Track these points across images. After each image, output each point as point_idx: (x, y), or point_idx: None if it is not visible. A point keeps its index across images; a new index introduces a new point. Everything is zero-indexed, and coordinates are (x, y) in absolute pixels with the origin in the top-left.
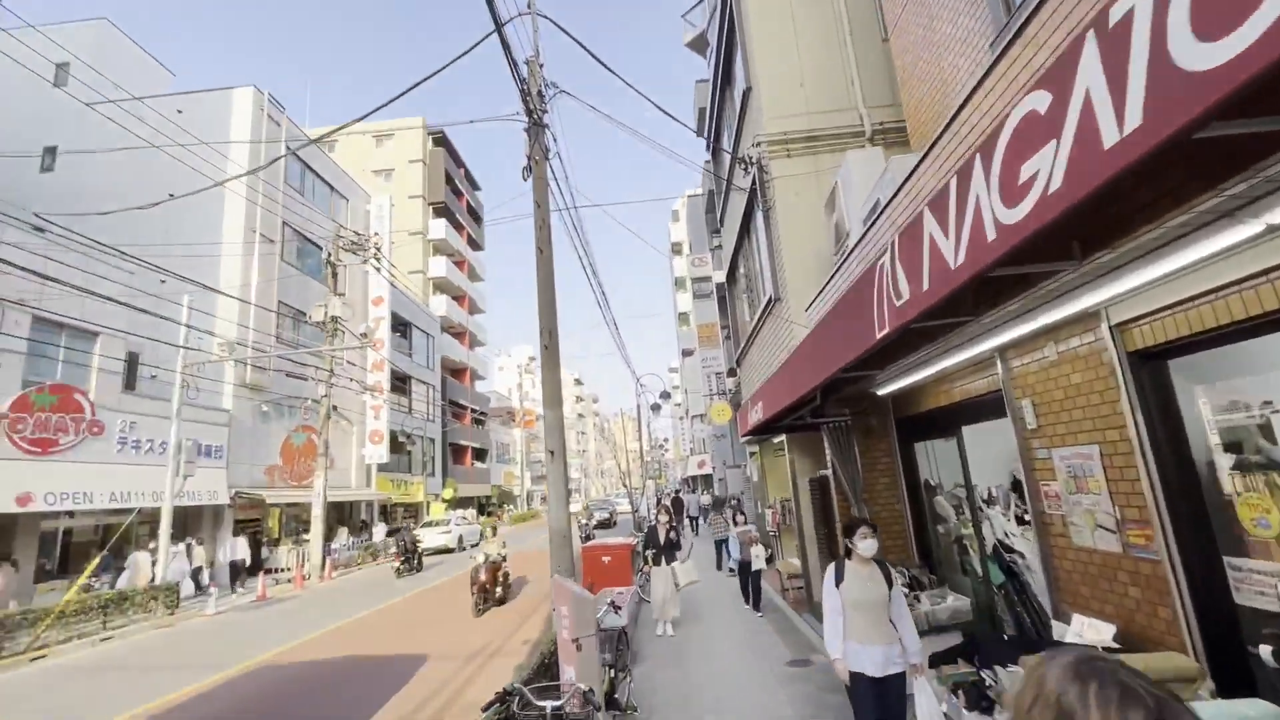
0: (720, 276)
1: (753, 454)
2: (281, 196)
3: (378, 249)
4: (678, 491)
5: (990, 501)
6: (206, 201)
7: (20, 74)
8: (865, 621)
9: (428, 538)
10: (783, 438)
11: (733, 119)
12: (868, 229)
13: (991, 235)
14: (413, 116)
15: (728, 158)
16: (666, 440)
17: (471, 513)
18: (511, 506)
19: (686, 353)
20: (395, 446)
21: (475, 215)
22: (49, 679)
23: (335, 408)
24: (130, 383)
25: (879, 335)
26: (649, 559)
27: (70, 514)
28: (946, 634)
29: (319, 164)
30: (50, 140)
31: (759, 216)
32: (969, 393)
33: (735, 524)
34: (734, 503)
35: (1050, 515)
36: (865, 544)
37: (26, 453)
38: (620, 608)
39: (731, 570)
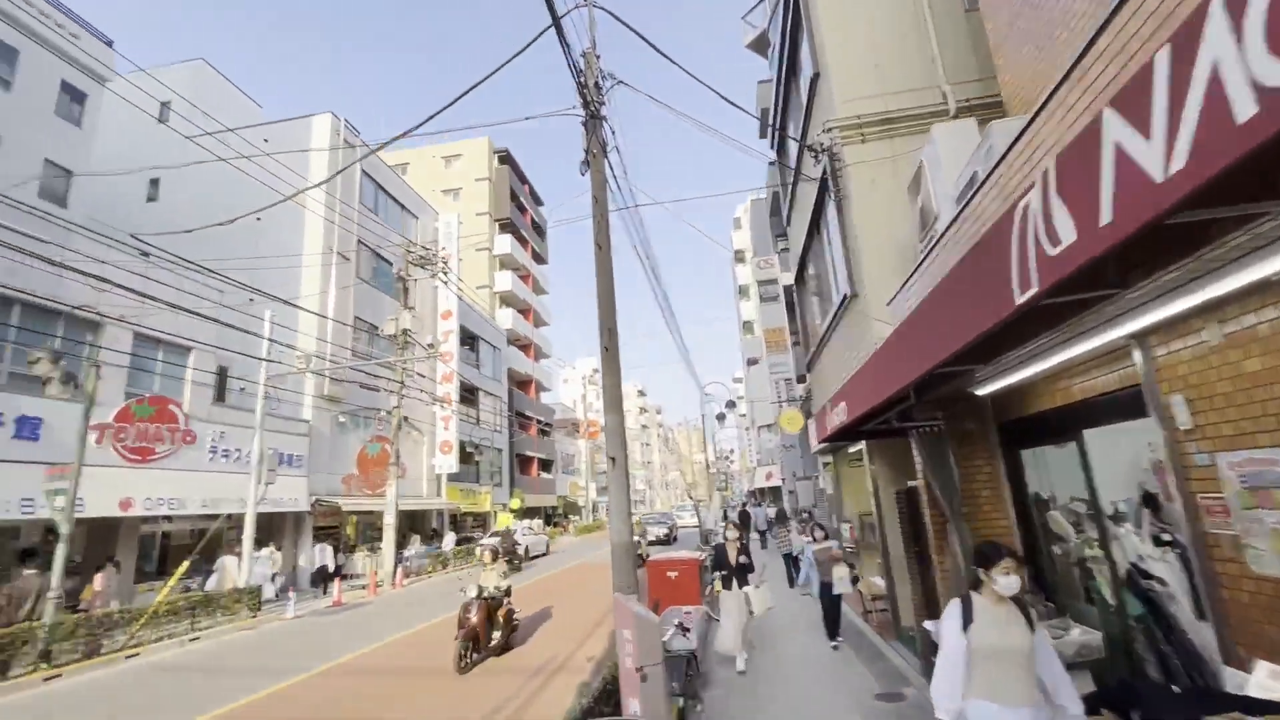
0: (787, 279)
1: (826, 464)
2: (356, 216)
3: (445, 263)
4: (744, 504)
5: (1118, 518)
6: (289, 224)
7: (131, 113)
8: (1005, 676)
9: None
10: (861, 446)
11: (799, 111)
12: (965, 204)
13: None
14: (479, 137)
15: (794, 150)
16: (732, 451)
17: (538, 523)
18: (576, 517)
19: (751, 361)
20: (464, 457)
21: (539, 230)
22: (141, 676)
23: (406, 418)
24: (220, 395)
25: (1020, 299)
26: (718, 581)
27: (168, 519)
28: (1073, 672)
29: (391, 185)
30: (155, 173)
31: (830, 209)
32: (1094, 389)
33: (814, 538)
34: (805, 516)
35: (1215, 535)
36: (1007, 581)
37: (128, 460)
38: (688, 630)
39: (807, 592)
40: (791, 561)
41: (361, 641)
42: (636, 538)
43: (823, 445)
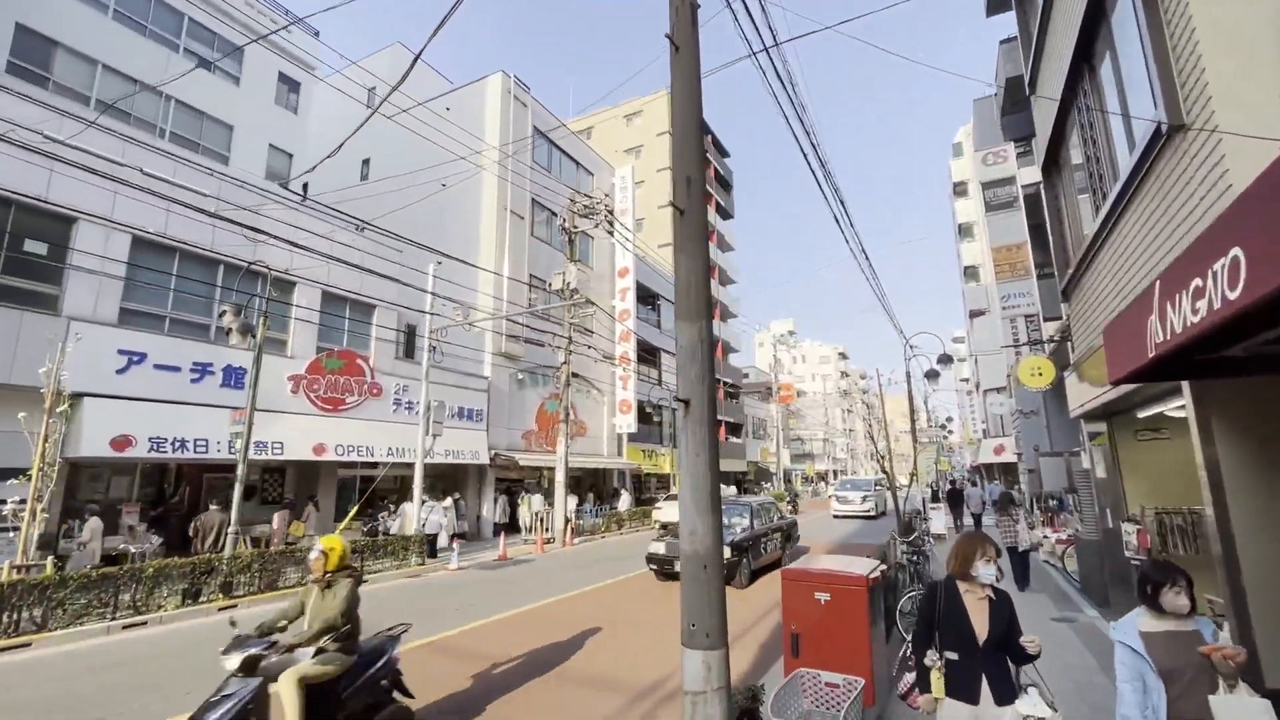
0: (1030, 177)
1: (1095, 437)
2: (529, 174)
3: (609, 212)
4: (953, 482)
5: None
6: (471, 188)
7: (344, 102)
8: None
9: (667, 511)
10: (1162, 409)
11: None
12: None
13: None
14: (659, 92)
15: None
16: (950, 420)
17: (731, 491)
18: (768, 485)
19: (976, 313)
20: (643, 417)
21: (723, 183)
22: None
23: (576, 375)
24: (409, 351)
25: None
26: (934, 662)
27: (370, 465)
28: None
29: (565, 142)
30: (365, 154)
31: (1122, 6)
32: None
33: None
34: (1054, 503)
35: None
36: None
37: (320, 409)
38: None
39: (1067, 619)
40: (1017, 558)
41: (516, 601)
42: (837, 508)
43: (1092, 404)
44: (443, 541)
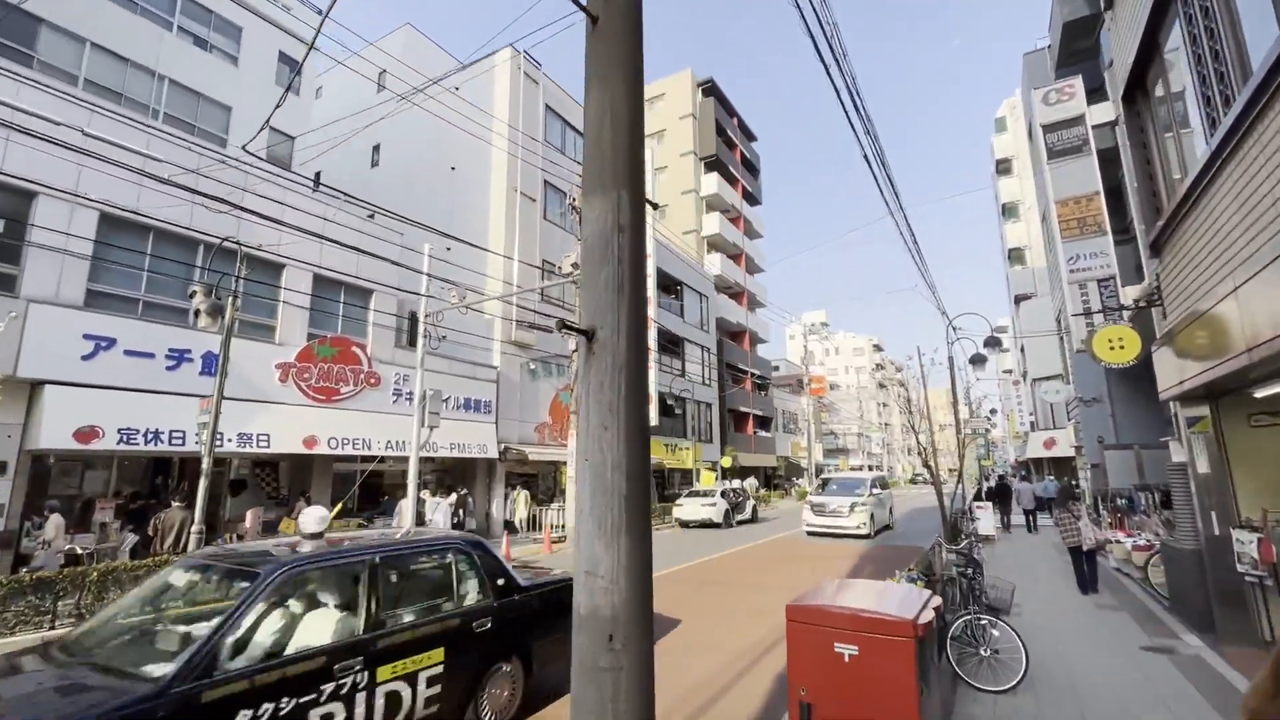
0: (1103, 114)
1: (1195, 423)
2: (541, 155)
3: None
4: (1002, 477)
5: None
6: (480, 171)
7: (355, 82)
8: None
9: (687, 508)
10: None
11: None
12: None
13: None
14: (680, 72)
15: None
16: (994, 412)
17: (751, 483)
18: (800, 480)
19: (1021, 298)
20: (665, 409)
21: (750, 167)
22: None
23: None
24: (413, 339)
25: None
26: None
27: (382, 460)
28: None
29: (579, 121)
30: (376, 139)
31: None
32: None
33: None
34: (1122, 501)
35: None
36: None
37: (312, 400)
38: None
39: (1163, 649)
40: (1081, 558)
41: None
42: (811, 521)
43: (1193, 383)
44: None
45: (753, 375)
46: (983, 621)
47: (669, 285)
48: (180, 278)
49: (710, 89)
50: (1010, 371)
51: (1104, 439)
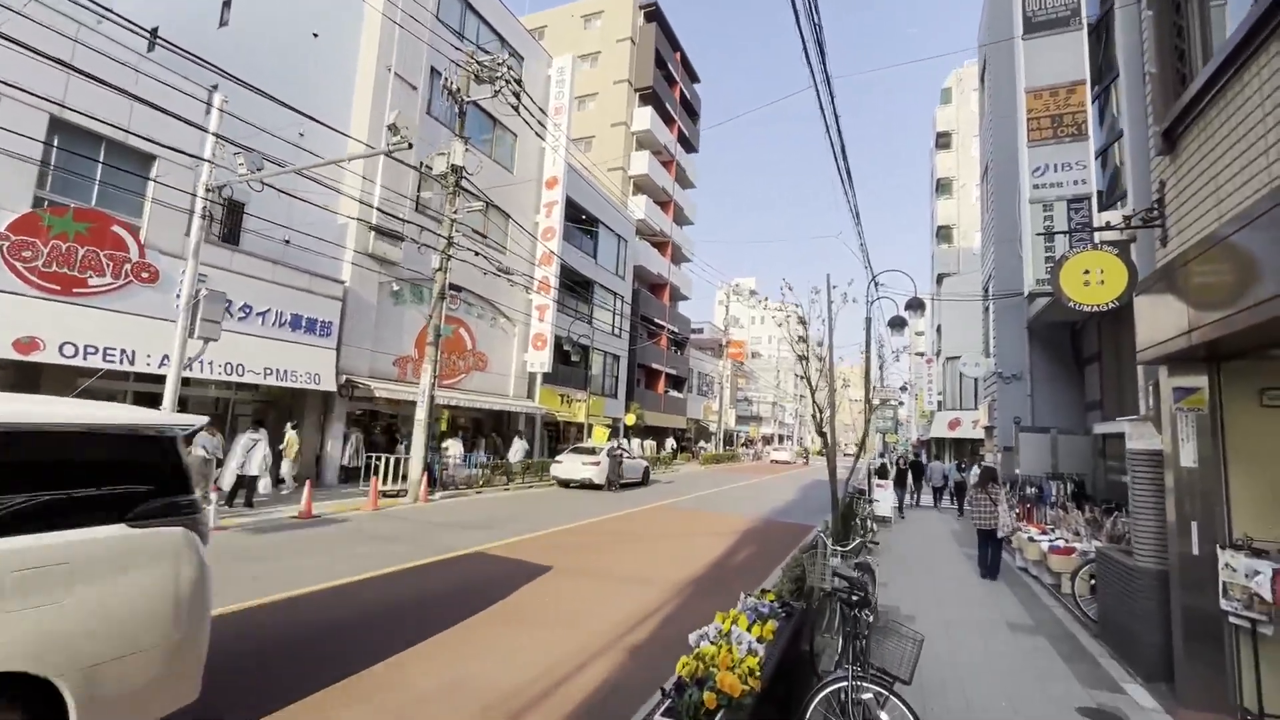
0: None
1: (1189, 395)
2: (430, 35)
3: (516, 81)
4: (917, 455)
5: None
6: (343, 40)
7: None
8: None
9: (566, 465)
10: None
11: None
12: None
13: None
14: None
15: None
16: (904, 388)
17: (647, 443)
18: (706, 444)
19: (944, 276)
20: (562, 356)
21: (690, 110)
22: None
23: (461, 289)
24: (232, 235)
25: None
26: None
27: (135, 375)
28: None
29: (490, 11)
30: None
31: None
32: None
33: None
34: (1032, 490)
35: None
36: None
37: (38, 288)
38: None
39: (1108, 714)
40: (989, 542)
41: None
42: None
43: (1189, 339)
44: (263, 488)
45: (670, 331)
46: (865, 696)
47: (582, 219)
48: None
49: (653, 13)
50: (923, 354)
51: (1020, 420)
